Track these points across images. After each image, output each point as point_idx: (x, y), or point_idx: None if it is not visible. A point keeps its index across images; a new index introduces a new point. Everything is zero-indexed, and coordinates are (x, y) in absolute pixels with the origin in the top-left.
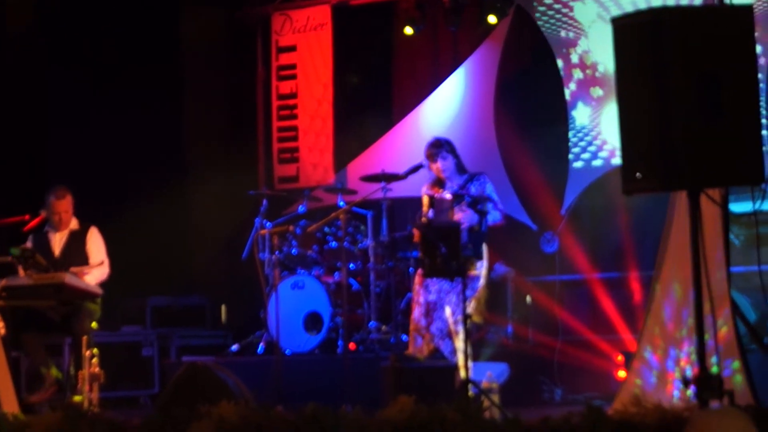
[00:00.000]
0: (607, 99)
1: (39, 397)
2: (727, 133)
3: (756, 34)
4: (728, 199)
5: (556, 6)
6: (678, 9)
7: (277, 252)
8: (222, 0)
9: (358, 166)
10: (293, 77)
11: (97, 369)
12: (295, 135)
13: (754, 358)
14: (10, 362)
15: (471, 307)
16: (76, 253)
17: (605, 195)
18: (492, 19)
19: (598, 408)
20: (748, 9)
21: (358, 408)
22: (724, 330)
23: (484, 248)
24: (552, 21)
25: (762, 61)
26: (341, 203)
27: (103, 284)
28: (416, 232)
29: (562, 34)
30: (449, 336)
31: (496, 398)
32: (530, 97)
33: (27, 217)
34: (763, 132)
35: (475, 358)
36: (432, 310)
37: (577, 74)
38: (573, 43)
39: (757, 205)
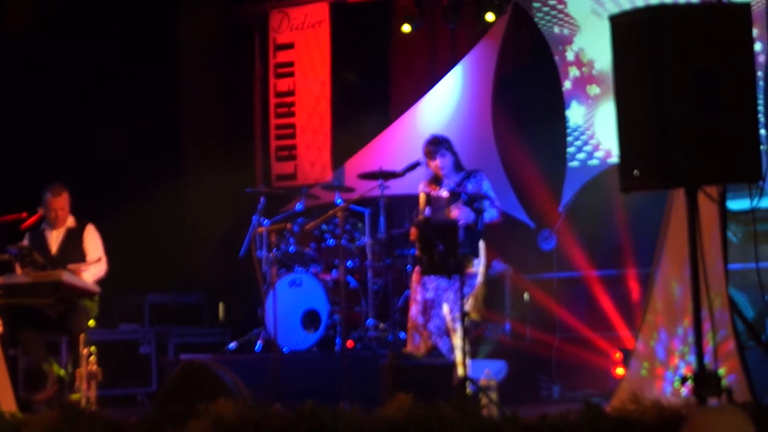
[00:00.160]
0: (602, 97)
1: (44, 395)
2: (725, 131)
3: (755, 31)
4: (726, 196)
5: (551, 2)
6: (676, 7)
7: (274, 250)
8: None
9: (356, 163)
10: (291, 75)
11: (94, 367)
12: (293, 132)
13: (752, 355)
14: (8, 360)
15: (469, 305)
16: (73, 251)
17: (603, 192)
18: (490, 16)
19: (596, 405)
20: (746, 7)
21: (355, 406)
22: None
23: (482, 246)
24: (547, 18)
25: (761, 59)
26: (339, 201)
27: (100, 282)
28: (413, 230)
29: (556, 30)
30: (447, 333)
31: (494, 396)
32: (528, 94)
33: (24, 214)
34: (761, 130)
35: (473, 356)
36: (429, 307)
37: (573, 72)
38: (568, 40)
39: (754, 203)
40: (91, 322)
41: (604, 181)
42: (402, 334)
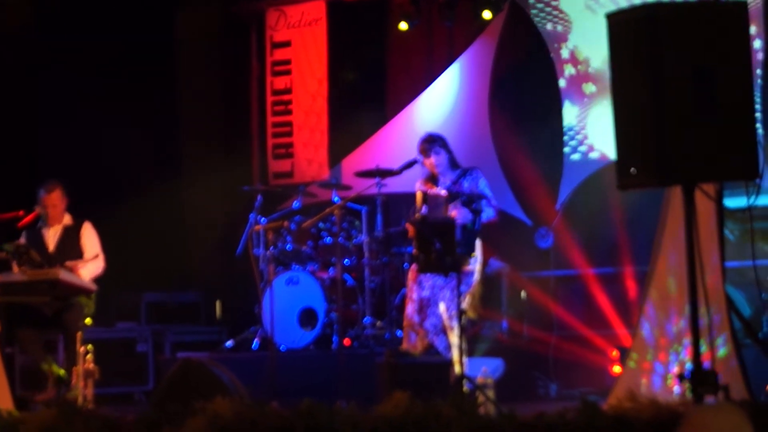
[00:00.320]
0: (597, 97)
1: (45, 396)
2: (722, 129)
3: (753, 29)
4: (723, 194)
5: None
6: (673, 5)
7: (271, 248)
8: None
9: (353, 161)
10: (288, 73)
11: (91, 365)
12: (290, 130)
13: (748, 352)
14: (5, 359)
15: (466, 303)
16: (70, 249)
17: (600, 190)
18: (487, 14)
19: (593, 403)
20: (742, 5)
21: (352, 404)
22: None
23: (478, 243)
24: (542, 14)
25: (759, 56)
26: (336, 199)
27: (97, 280)
28: (410, 228)
29: (549, 27)
30: (443, 332)
31: (491, 394)
32: (525, 92)
33: (21, 213)
34: (758, 127)
35: (470, 354)
36: (426, 306)
37: (569, 70)
38: (563, 38)
39: (751, 201)
40: (88, 320)
41: (601, 179)
42: (399, 332)
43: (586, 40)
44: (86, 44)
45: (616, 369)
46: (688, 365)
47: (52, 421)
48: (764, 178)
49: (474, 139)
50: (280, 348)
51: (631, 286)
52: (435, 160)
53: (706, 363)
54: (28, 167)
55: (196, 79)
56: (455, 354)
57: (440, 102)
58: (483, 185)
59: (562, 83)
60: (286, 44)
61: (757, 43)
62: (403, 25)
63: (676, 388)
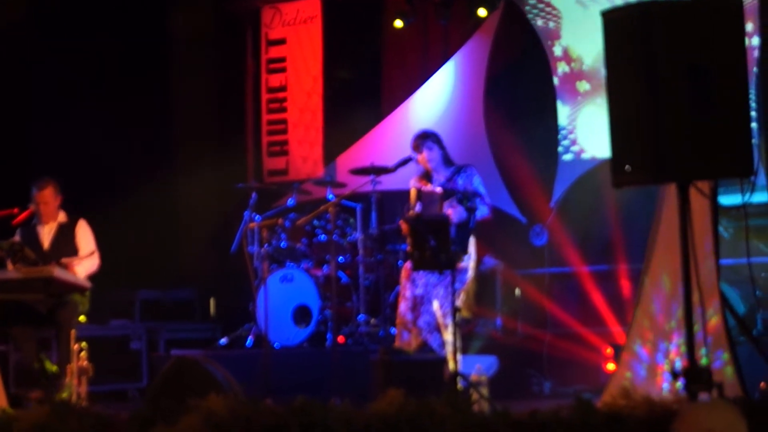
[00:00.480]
0: (590, 95)
1: (39, 393)
2: (717, 126)
3: (749, 26)
4: (717, 191)
5: None
6: (668, 2)
7: (266, 245)
8: None
9: (348, 159)
10: (283, 70)
11: (85, 363)
12: (285, 128)
13: (743, 350)
14: None
15: (460, 301)
16: (65, 246)
17: (595, 188)
18: (482, 11)
19: (587, 401)
20: (737, 2)
21: (347, 401)
22: (714, 322)
23: (472, 241)
24: (534, 11)
25: (754, 54)
26: (330, 196)
27: (91, 277)
28: (404, 226)
29: (540, 23)
30: (437, 329)
31: (485, 391)
32: (520, 90)
33: (15, 210)
34: (753, 125)
35: (464, 351)
36: (419, 304)
37: (562, 67)
38: (556, 35)
39: (746, 198)
40: (82, 318)
41: (595, 177)
42: (393, 330)
43: (578, 37)
44: (80, 41)
45: (610, 366)
46: (678, 362)
47: (46, 418)
48: (759, 175)
49: (469, 136)
50: (274, 345)
51: (626, 284)
52: (428, 156)
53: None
54: (22, 165)
55: (191, 77)
56: (449, 351)
57: (435, 100)
58: (477, 182)
59: (555, 81)
60: (281, 42)
61: (755, 40)
62: (399, 23)
63: (665, 385)
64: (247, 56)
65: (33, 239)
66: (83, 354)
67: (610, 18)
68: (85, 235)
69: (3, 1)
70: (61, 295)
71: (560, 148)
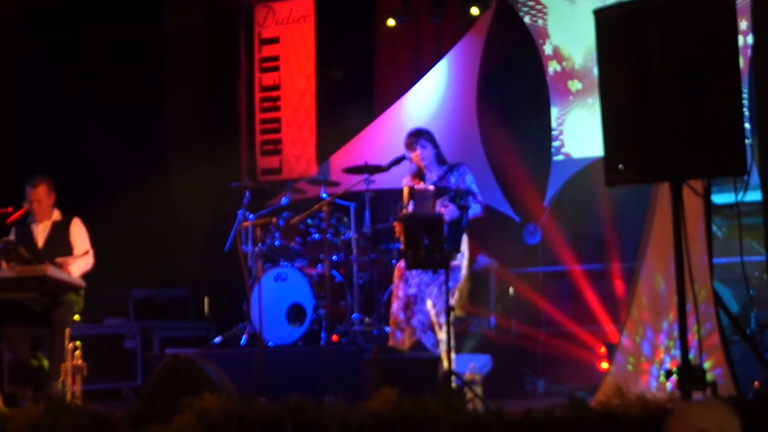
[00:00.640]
0: (581, 95)
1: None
2: (710, 125)
3: (744, 24)
4: (711, 190)
5: None
6: (660, 1)
7: (260, 244)
8: None
9: (341, 157)
10: (276, 69)
11: (79, 361)
12: (278, 127)
13: (736, 349)
14: None
15: (454, 299)
16: (59, 245)
17: (588, 187)
18: (475, 10)
19: (580, 399)
20: (730, 0)
21: (341, 400)
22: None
23: (465, 239)
24: (525, 9)
25: (748, 52)
26: (324, 195)
27: (85, 276)
28: (397, 226)
29: (527, 20)
30: (431, 328)
31: (479, 390)
32: (513, 88)
33: (10, 209)
34: (746, 124)
35: (458, 350)
36: (412, 303)
37: (554, 66)
38: (545, 33)
39: (739, 197)
40: (76, 317)
41: (589, 175)
42: (387, 329)
43: (566, 33)
44: (74, 39)
45: (604, 365)
46: (667, 360)
47: (40, 417)
48: (752, 174)
49: (462, 135)
50: (268, 344)
51: (619, 283)
52: (421, 153)
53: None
54: (16, 163)
55: (185, 75)
56: (443, 350)
57: (428, 98)
58: (470, 181)
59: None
60: (275, 41)
61: (750, 39)
62: (391, 22)
63: (669, 385)
64: (240, 55)
65: (27, 238)
66: (77, 353)
67: (602, 16)
68: (79, 234)
69: None
70: (56, 294)
71: (552, 149)
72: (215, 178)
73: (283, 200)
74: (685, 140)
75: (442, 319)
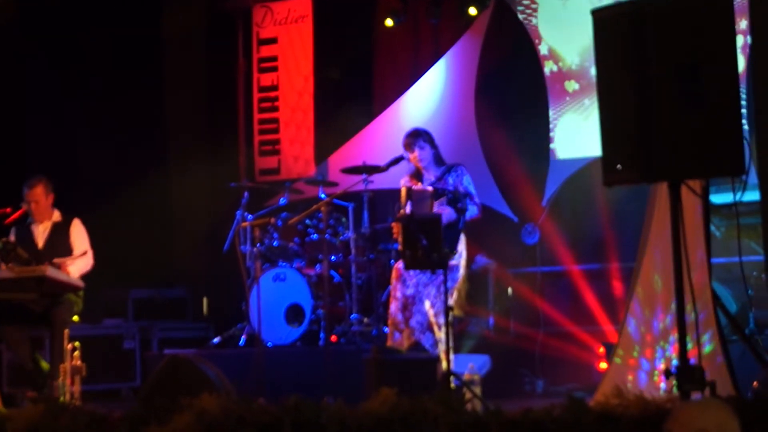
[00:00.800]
0: (577, 96)
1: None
2: (708, 125)
3: (743, 23)
4: (709, 190)
5: None
6: (658, 1)
7: (258, 244)
8: None
9: (340, 158)
10: (274, 69)
11: (78, 362)
12: (277, 127)
13: (735, 348)
14: None
15: (452, 299)
16: (59, 245)
17: (586, 186)
18: (472, 10)
19: (579, 400)
20: (727, 1)
21: (339, 400)
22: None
23: (462, 239)
24: (520, 8)
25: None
26: (322, 195)
27: (84, 277)
28: (395, 226)
29: (520, 18)
30: (429, 329)
31: (477, 390)
32: (511, 88)
33: (8, 210)
34: (744, 124)
35: (457, 350)
36: (410, 304)
37: (550, 66)
38: (538, 33)
39: (738, 197)
40: (76, 318)
41: (587, 175)
42: (386, 329)
43: (557, 32)
44: (74, 39)
45: (603, 365)
46: (674, 362)
47: (39, 417)
48: (750, 174)
49: (460, 135)
50: (267, 344)
51: (617, 283)
52: (418, 155)
53: (693, 359)
54: (15, 163)
55: (184, 76)
56: (442, 350)
57: (426, 98)
58: (467, 182)
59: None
60: (273, 41)
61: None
62: (389, 22)
63: (663, 385)
64: (238, 55)
65: (27, 238)
66: (76, 353)
67: (600, 17)
68: (79, 235)
69: None
70: (55, 294)
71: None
72: (214, 179)
73: (282, 200)
74: (684, 140)
75: (441, 320)
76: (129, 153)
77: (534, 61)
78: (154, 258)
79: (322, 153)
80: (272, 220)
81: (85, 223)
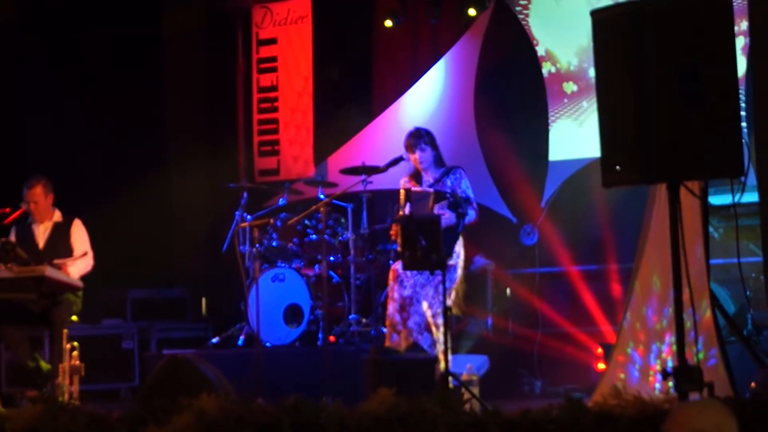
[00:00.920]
0: (575, 98)
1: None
2: (707, 126)
3: (744, 25)
4: (708, 191)
5: None
6: (657, 2)
7: (257, 245)
8: None
9: (339, 158)
10: (274, 70)
11: (77, 362)
12: (276, 128)
13: (733, 349)
14: None
15: (450, 299)
16: (60, 246)
17: (585, 187)
18: (472, 11)
19: (578, 400)
20: (727, 0)
21: (338, 400)
22: (705, 320)
23: (460, 241)
24: (518, 8)
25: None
26: (321, 196)
27: (83, 276)
28: (393, 227)
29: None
30: (427, 329)
31: (476, 391)
32: (510, 89)
33: (8, 210)
34: (743, 125)
35: (455, 351)
36: (408, 305)
37: (547, 67)
38: (533, 34)
39: (736, 198)
40: (75, 318)
41: (586, 176)
42: (385, 329)
43: (552, 31)
44: (74, 39)
45: (601, 366)
46: (670, 362)
47: (38, 417)
48: (749, 175)
49: (459, 136)
50: (266, 345)
51: (616, 284)
52: (419, 156)
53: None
54: (15, 163)
55: (183, 76)
56: (440, 351)
57: (426, 99)
58: (465, 186)
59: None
60: (272, 41)
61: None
62: (389, 23)
63: (658, 385)
64: (238, 56)
65: (28, 238)
66: (75, 353)
67: (599, 17)
68: (80, 236)
69: None
70: (53, 294)
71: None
72: (213, 179)
73: (281, 201)
74: (682, 141)
75: (439, 320)
76: (129, 153)
77: (533, 61)
78: (154, 258)
79: (322, 153)
80: (271, 220)
81: (85, 223)
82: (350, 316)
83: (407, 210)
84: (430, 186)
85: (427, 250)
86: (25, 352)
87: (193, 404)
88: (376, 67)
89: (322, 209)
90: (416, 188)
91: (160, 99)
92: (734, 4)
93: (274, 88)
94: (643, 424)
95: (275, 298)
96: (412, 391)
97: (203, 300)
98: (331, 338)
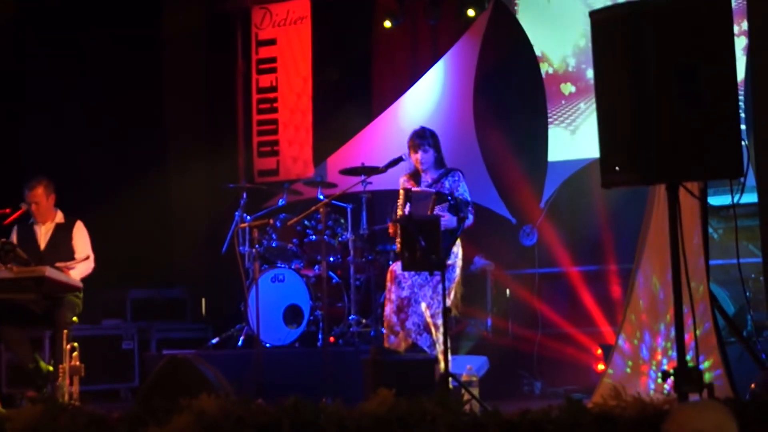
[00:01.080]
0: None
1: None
2: (706, 127)
3: (744, 25)
4: (707, 192)
5: None
6: (656, 2)
7: (257, 245)
8: None
9: (338, 159)
10: (273, 71)
11: (77, 362)
12: (275, 128)
13: (732, 350)
14: None
15: (449, 300)
16: (61, 247)
17: (584, 188)
18: (471, 12)
19: (577, 401)
20: (726, 2)
21: (338, 401)
22: (704, 323)
23: (457, 242)
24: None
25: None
26: (321, 196)
27: (83, 278)
28: (391, 227)
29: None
30: (426, 330)
31: (475, 391)
32: (509, 89)
33: (8, 210)
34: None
35: (455, 352)
36: (406, 306)
37: (545, 67)
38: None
39: (735, 199)
40: (75, 319)
41: (585, 177)
42: (384, 330)
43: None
44: (74, 39)
45: (601, 367)
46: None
47: (38, 418)
48: (748, 176)
49: (458, 136)
50: (266, 345)
51: (615, 284)
52: (421, 158)
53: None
54: (15, 163)
55: (183, 76)
56: (439, 351)
57: (425, 100)
58: (463, 189)
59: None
60: (272, 42)
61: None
62: (388, 23)
63: (667, 387)
64: (237, 57)
65: (29, 239)
66: (75, 354)
67: (598, 18)
68: (81, 237)
69: None
70: (53, 295)
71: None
72: (213, 180)
73: (280, 202)
74: (682, 142)
75: (439, 321)
76: (129, 153)
77: (532, 62)
78: (153, 258)
79: (321, 154)
80: (271, 221)
81: (85, 223)
82: (350, 317)
83: (407, 210)
84: (428, 186)
85: (426, 250)
86: (26, 352)
87: (193, 405)
88: (375, 68)
89: (321, 210)
90: (416, 189)
91: (160, 99)
92: (734, 4)
93: (273, 89)
94: (643, 424)
95: (275, 299)
96: (412, 392)
97: (203, 300)
98: (331, 339)
